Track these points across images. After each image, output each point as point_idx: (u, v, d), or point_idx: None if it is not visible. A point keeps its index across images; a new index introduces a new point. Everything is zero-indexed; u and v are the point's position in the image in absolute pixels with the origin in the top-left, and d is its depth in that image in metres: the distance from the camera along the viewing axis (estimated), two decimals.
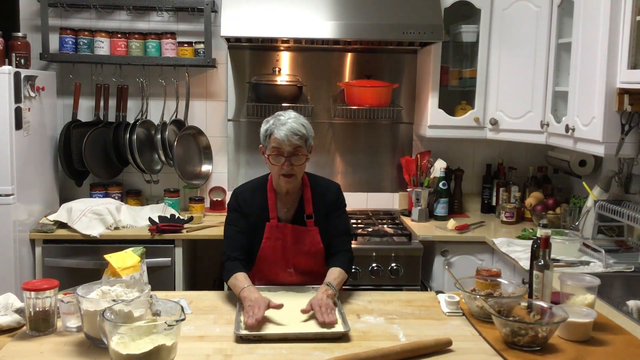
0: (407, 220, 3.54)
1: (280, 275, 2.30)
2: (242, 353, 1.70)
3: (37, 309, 1.78)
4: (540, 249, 1.97)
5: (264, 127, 2.26)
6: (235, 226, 2.31)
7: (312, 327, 1.85)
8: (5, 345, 1.73)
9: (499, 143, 3.71)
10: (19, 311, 1.86)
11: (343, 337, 1.80)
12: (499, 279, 2.07)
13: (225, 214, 3.65)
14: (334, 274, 2.19)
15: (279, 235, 2.29)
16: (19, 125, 2.96)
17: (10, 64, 3.10)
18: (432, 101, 3.45)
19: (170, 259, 3.17)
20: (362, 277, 3.02)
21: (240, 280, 2.12)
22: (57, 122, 3.55)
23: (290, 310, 2.00)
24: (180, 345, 1.61)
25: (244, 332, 1.79)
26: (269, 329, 1.82)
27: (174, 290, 3.14)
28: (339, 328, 1.85)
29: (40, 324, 1.79)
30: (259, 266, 2.30)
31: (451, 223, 3.36)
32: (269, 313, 1.96)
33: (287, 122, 2.20)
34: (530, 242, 2.22)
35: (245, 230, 2.30)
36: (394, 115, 3.75)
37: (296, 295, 2.16)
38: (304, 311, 1.98)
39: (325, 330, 1.82)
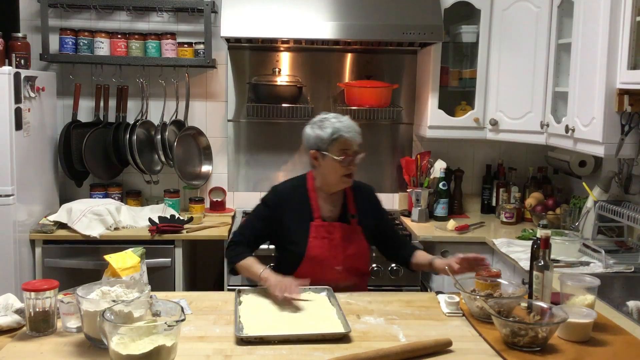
0: (407, 221, 3.54)
1: (328, 274, 2.30)
2: (242, 353, 1.70)
3: (37, 310, 1.78)
4: (540, 249, 1.97)
5: (325, 132, 2.28)
6: (258, 219, 2.39)
7: (313, 328, 1.84)
8: (5, 345, 1.73)
9: (499, 143, 3.72)
10: (19, 312, 1.86)
11: (344, 338, 1.80)
12: (498, 280, 2.07)
13: (226, 214, 3.69)
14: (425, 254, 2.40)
15: (326, 234, 2.33)
16: (19, 125, 2.96)
17: (10, 64, 3.10)
18: (432, 102, 3.45)
19: (170, 259, 3.17)
20: None
21: (255, 264, 2.23)
22: (57, 123, 3.55)
23: (288, 310, 2.00)
24: (180, 346, 1.61)
25: (244, 334, 1.79)
26: (270, 331, 1.82)
27: (174, 290, 3.14)
28: (339, 329, 1.85)
29: (40, 324, 1.79)
30: (305, 266, 2.30)
31: (451, 223, 3.36)
32: (269, 314, 1.97)
33: (345, 122, 2.30)
34: (530, 242, 2.21)
35: (263, 231, 2.38)
36: (394, 116, 3.75)
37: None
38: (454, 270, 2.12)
39: (325, 331, 1.82)
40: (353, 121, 2.35)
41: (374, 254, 3.01)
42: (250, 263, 2.26)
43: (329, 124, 2.30)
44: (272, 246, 2.54)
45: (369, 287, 2.49)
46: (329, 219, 2.37)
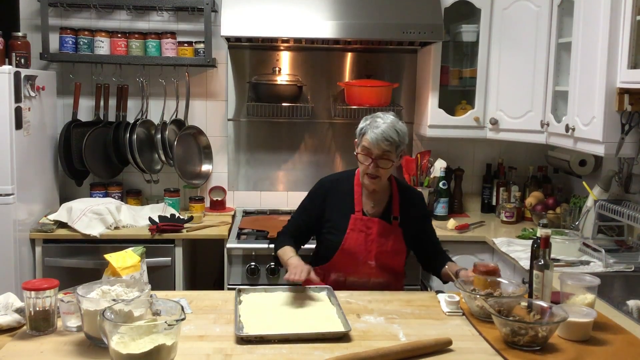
0: None
1: (359, 267, 2.33)
2: (242, 353, 1.70)
3: (37, 309, 1.78)
4: (540, 248, 1.97)
5: (361, 125, 2.32)
6: (301, 211, 2.47)
7: (313, 328, 1.84)
8: (5, 345, 1.73)
9: (499, 143, 3.71)
10: (19, 311, 1.86)
11: (343, 337, 1.80)
12: (498, 279, 2.06)
13: (226, 213, 3.69)
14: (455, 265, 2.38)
15: (363, 228, 2.35)
16: (19, 125, 2.95)
17: (10, 63, 3.10)
18: (432, 101, 3.45)
19: (170, 258, 3.17)
20: None
21: (288, 251, 2.31)
22: (57, 122, 3.55)
23: (287, 310, 2.00)
24: (180, 345, 1.61)
25: (244, 333, 1.79)
26: (270, 330, 1.82)
27: (174, 289, 3.14)
28: (339, 328, 1.85)
29: (40, 323, 1.79)
30: (339, 257, 2.33)
31: (451, 223, 3.36)
32: (269, 313, 1.97)
33: (381, 125, 2.25)
34: (530, 241, 2.22)
35: (306, 222, 2.44)
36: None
37: (291, 295, 2.15)
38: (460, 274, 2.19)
39: (325, 330, 1.82)
40: (401, 126, 2.29)
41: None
42: (285, 250, 2.33)
43: (370, 119, 2.31)
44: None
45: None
46: (370, 214, 2.39)
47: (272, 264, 3.02)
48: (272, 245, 2.66)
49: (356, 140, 2.36)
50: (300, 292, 2.16)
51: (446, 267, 2.37)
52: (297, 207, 2.52)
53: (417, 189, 2.58)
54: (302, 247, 2.48)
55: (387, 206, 2.41)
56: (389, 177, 2.40)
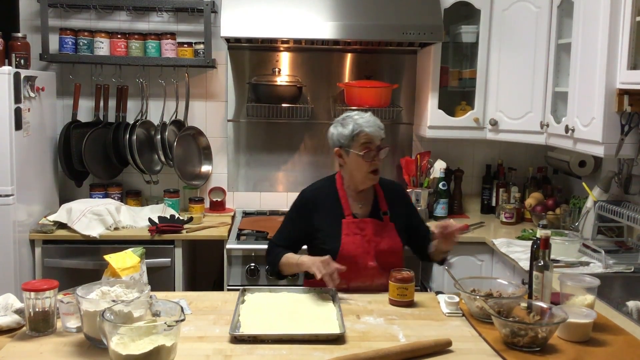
0: None
1: (361, 271, 2.31)
2: (242, 353, 1.70)
3: (37, 310, 1.78)
4: (540, 249, 1.97)
5: (347, 129, 2.32)
6: (289, 223, 2.45)
7: (307, 329, 1.84)
8: (5, 345, 1.73)
9: (498, 143, 3.72)
10: (19, 312, 1.86)
11: (339, 339, 1.80)
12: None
13: (226, 214, 3.69)
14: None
15: (357, 231, 2.34)
16: (18, 125, 2.96)
17: (10, 64, 3.10)
18: (431, 102, 3.45)
19: (170, 259, 3.17)
20: None
21: (291, 256, 2.30)
22: (57, 123, 3.55)
23: (288, 310, 2.00)
24: (180, 346, 1.61)
25: (238, 332, 1.79)
26: (266, 330, 1.82)
27: (174, 290, 3.13)
28: (334, 329, 1.85)
29: (40, 324, 1.79)
30: (339, 263, 2.27)
31: None
32: (270, 314, 1.97)
33: (365, 117, 2.33)
34: (530, 242, 2.22)
35: (296, 234, 2.41)
36: (393, 116, 3.74)
37: (296, 296, 2.15)
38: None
39: (320, 332, 1.82)
40: (374, 116, 2.36)
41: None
42: (287, 257, 2.32)
43: (351, 120, 2.33)
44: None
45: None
46: (360, 215, 2.39)
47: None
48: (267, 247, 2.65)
49: (340, 148, 2.35)
50: (304, 293, 2.17)
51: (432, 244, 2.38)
52: (283, 221, 2.48)
53: (396, 181, 2.61)
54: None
55: (374, 204, 2.42)
56: None
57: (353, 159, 2.32)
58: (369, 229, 2.35)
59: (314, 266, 2.14)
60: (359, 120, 2.31)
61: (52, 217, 3.19)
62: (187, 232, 3.21)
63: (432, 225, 2.34)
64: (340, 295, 2.14)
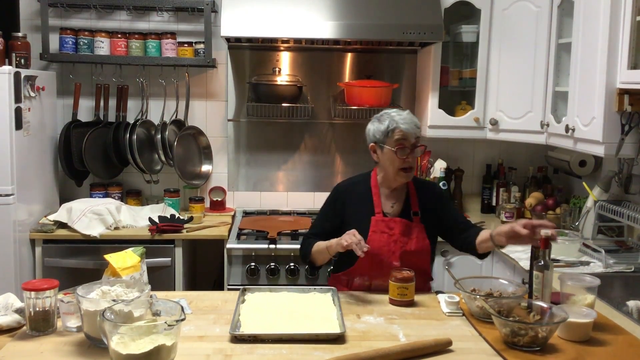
0: None
1: (384, 270, 2.28)
2: (242, 353, 1.70)
3: (37, 309, 1.78)
4: (540, 249, 1.97)
5: (383, 125, 2.32)
6: (322, 217, 2.46)
7: (307, 328, 1.84)
8: (5, 345, 1.73)
9: (499, 143, 3.72)
10: (19, 311, 1.86)
11: (339, 339, 1.80)
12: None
13: (226, 213, 3.69)
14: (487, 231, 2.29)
15: (385, 229, 2.33)
16: (19, 125, 2.96)
17: (10, 64, 3.10)
18: (432, 101, 3.45)
19: (170, 259, 3.17)
20: None
21: (322, 242, 2.31)
22: (57, 122, 3.55)
23: (288, 310, 2.00)
24: (180, 345, 1.61)
25: (238, 332, 1.79)
26: (266, 330, 1.82)
27: (174, 290, 3.14)
28: (334, 329, 1.85)
29: (40, 324, 1.79)
30: (363, 261, 2.27)
31: None
32: (270, 313, 1.97)
33: (403, 115, 2.32)
34: None
35: (329, 228, 2.39)
36: None
37: (296, 295, 2.15)
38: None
39: (320, 331, 1.82)
40: (412, 115, 2.36)
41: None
42: (317, 245, 2.33)
43: (387, 117, 2.33)
44: None
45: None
46: (391, 214, 2.38)
47: (272, 264, 3.02)
48: (272, 246, 2.63)
49: (374, 143, 2.35)
50: (304, 293, 2.17)
51: (480, 235, 2.31)
52: (317, 215, 2.51)
53: (432, 181, 2.56)
54: None
55: (405, 203, 2.41)
56: None
57: (386, 155, 2.32)
58: (397, 229, 2.33)
59: (342, 239, 2.16)
60: (396, 117, 2.31)
61: (52, 217, 3.19)
62: (187, 231, 3.21)
63: (519, 222, 2.09)
64: (340, 295, 2.14)
